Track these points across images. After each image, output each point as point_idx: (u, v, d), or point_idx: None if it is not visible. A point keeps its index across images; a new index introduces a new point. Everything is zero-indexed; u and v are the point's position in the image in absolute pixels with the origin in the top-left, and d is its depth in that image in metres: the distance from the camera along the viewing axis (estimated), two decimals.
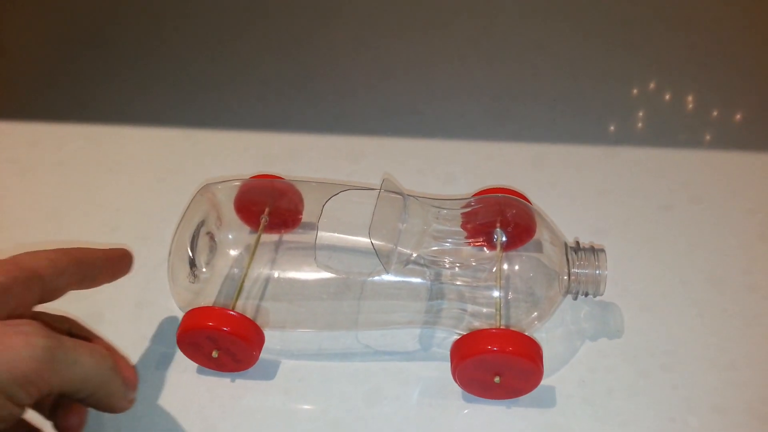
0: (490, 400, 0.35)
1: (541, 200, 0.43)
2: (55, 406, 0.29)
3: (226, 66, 0.59)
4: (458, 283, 0.38)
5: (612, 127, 0.51)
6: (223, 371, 0.36)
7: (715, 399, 0.34)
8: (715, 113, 0.51)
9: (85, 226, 0.46)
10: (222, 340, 0.34)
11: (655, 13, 0.62)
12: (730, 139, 0.49)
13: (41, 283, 0.28)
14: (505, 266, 0.38)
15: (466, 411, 0.34)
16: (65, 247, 0.31)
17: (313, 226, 0.43)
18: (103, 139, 0.52)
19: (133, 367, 0.33)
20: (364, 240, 0.35)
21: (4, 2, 0.70)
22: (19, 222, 0.46)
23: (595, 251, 0.36)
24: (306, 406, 0.35)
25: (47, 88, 0.58)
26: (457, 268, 0.39)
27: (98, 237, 0.45)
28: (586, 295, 0.36)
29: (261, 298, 0.39)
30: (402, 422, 0.34)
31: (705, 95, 0.53)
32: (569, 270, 0.36)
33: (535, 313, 0.36)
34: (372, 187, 0.38)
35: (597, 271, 0.35)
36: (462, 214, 0.40)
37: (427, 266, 0.38)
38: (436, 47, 0.60)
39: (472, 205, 0.40)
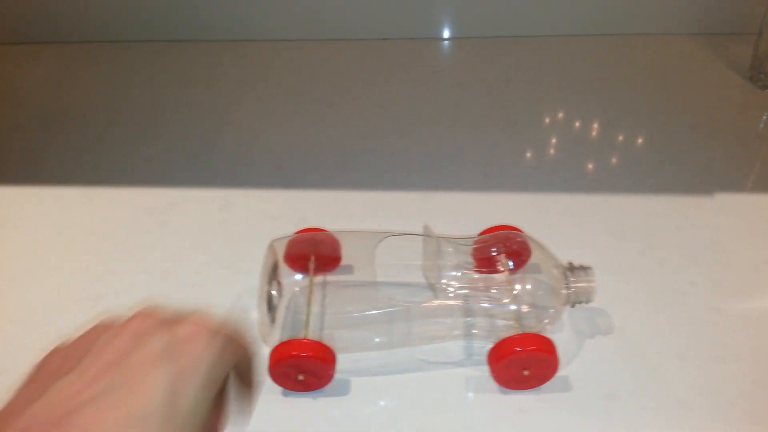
0: (522, 390, 0.45)
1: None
2: None
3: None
4: (482, 302, 0.48)
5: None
6: (306, 391, 0.45)
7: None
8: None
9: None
10: (306, 365, 0.43)
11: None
12: None
13: None
14: (517, 286, 0.49)
15: (505, 400, 0.44)
16: None
17: (350, 268, 0.52)
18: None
19: None
20: (412, 275, 0.45)
21: None
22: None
23: (584, 269, 0.47)
24: (381, 412, 0.44)
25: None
26: (479, 291, 0.49)
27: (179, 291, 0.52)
28: (580, 303, 0.47)
29: (322, 329, 0.47)
30: (462, 416, 0.43)
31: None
32: (569, 285, 0.46)
33: (546, 321, 0.47)
34: (407, 233, 0.49)
35: (590, 284, 0.46)
36: (474, 249, 0.50)
37: (457, 290, 0.48)
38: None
39: (483, 242, 0.51)
